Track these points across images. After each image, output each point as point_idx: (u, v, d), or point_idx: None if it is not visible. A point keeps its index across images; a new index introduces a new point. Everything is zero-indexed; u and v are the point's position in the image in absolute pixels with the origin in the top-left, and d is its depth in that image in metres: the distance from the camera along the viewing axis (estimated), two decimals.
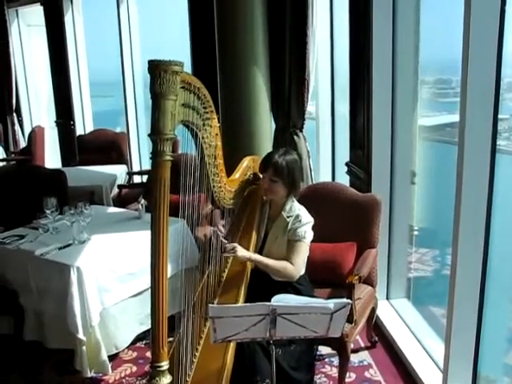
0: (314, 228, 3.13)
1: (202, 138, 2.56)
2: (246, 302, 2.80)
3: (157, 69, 2.04)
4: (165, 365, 2.18)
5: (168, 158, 2.08)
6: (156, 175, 2.09)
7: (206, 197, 2.88)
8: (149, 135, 2.10)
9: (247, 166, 3.36)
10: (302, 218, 3.09)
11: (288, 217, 3.11)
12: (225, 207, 3.09)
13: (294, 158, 3.18)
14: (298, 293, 2.95)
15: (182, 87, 2.17)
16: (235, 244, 2.93)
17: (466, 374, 3.08)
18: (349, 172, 4.87)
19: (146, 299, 3.69)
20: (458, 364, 3.06)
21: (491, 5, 2.65)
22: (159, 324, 2.15)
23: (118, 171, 6.70)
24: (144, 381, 3.66)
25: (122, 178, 6.71)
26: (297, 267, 3.04)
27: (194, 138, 2.53)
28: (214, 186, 2.85)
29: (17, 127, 9.30)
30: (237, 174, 3.22)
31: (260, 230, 3.21)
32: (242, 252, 2.92)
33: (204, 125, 2.52)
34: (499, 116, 2.79)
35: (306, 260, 3.17)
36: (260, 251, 3.16)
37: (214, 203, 3.01)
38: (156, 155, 2.08)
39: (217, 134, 2.69)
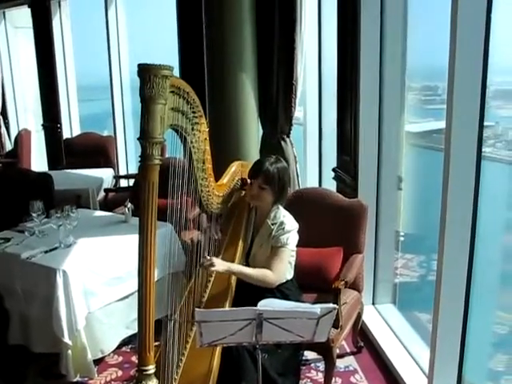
0: (300, 233, 3.14)
1: (191, 142, 2.57)
2: (233, 306, 2.80)
3: (147, 73, 2.05)
4: (151, 368, 2.18)
5: (157, 161, 2.09)
6: (144, 179, 2.09)
7: (194, 201, 2.88)
8: (138, 139, 2.10)
9: (235, 171, 3.36)
10: (285, 225, 3.09)
11: (272, 224, 3.11)
12: (212, 212, 3.09)
13: (284, 166, 3.20)
14: (286, 297, 2.95)
15: (172, 91, 2.18)
16: (213, 258, 2.89)
17: (451, 379, 3.09)
18: (336, 177, 4.88)
19: (132, 303, 3.68)
20: (443, 369, 3.07)
21: (477, 12, 2.67)
22: (146, 328, 2.15)
23: (105, 175, 6.69)
24: None
25: (108, 182, 6.70)
26: (277, 274, 3.03)
27: (183, 143, 2.54)
28: (201, 191, 2.85)
29: (3, 130, 9.25)
30: (225, 179, 3.22)
31: (247, 236, 3.21)
32: (219, 266, 2.89)
33: (193, 129, 2.54)
34: (485, 123, 2.81)
35: (293, 265, 3.17)
36: (246, 257, 3.17)
37: (202, 207, 3.01)
38: (145, 159, 2.08)
39: (205, 139, 2.71)
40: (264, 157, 3.37)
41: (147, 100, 2.07)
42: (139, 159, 2.09)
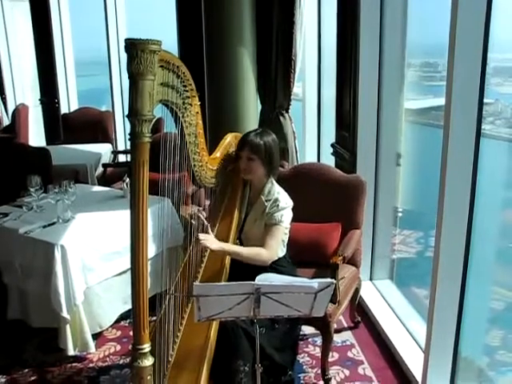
0: (298, 208, 3.12)
1: (183, 116, 2.51)
2: (228, 281, 2.80)
3: (134, 48, 1.97)
4: (146, 347, 2.17)
5: (147, 139, 2.02)
6: (135, 157, 2.03)
7: (188, 176, 2.85)
8: (127, 116, 2.04)
9: (229, 142, 3.30)
10: (279, 202, 3.05)
11: (266, 200, 3.08)
12: (206, 186, 3.07)
13: (271, 136, 3.14)
14: (280, 274, 2.94)
15: (161, 66, 2.11)
16: (207, 236, 2.86)
17: (447, 354, 3.11)
18: (334, 153, 4.87)
19: (130, 278, 3.69)
20: (440, 344, 3.09)
21: None
22: (140, 306, 2.13)
23: (103, 150, 6.67)
24: (127, 360, 3.67)
25: (106, 157, 6.69)
26: (271, 251, 3.01)
27: (174, 117, 2.49)
28: (194, 165, 2.80)
29: (0, 105, 9.19)
30: (218, 153, 3.16)
31: (241, 210, 3.19)
32: (212, 244, 2.86)
33: (184, 103, 2.47)
34: (484, 100, 2.79)
35: (285, 242, 3.16)
36: (240, 233, 3.16)
37: (196, 182, 2.98)
38: (134, 137, 2.02)
39: (197, 113, 2.65)
40: (250, 130, 3.32)
41: (135, 76, 1.99)
42: (129, 137, 2.05)
